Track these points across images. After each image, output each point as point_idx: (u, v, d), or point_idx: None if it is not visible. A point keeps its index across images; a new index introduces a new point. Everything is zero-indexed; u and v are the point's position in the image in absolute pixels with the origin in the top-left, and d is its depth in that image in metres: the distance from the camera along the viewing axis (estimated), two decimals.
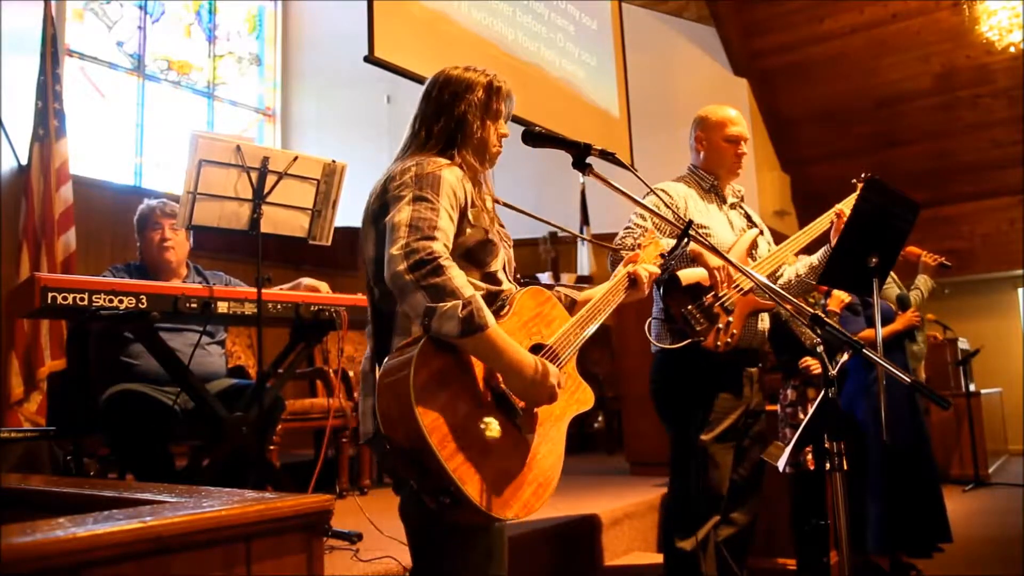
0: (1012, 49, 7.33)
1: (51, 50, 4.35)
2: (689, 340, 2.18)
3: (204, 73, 6.62)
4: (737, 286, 2.29)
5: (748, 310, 2.34)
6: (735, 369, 2.40)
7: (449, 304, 1.33)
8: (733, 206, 2.57)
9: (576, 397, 1.60)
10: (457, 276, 1.37)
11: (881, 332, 2.62)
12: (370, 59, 4.33)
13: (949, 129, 8.08)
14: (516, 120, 2.05)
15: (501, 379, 1.43)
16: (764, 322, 2.45)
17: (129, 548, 0.90)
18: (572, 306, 1.73)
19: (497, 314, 1.46)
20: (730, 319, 2.25)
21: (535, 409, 1.49)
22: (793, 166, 8.84)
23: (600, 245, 2.97)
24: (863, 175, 2.48)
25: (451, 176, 1.51)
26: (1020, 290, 9.33)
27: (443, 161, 1.55)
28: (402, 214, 1.43)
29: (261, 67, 7.09)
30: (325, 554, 2.01)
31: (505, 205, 1.77)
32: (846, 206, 2.41)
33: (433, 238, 1.39)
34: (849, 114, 8.32)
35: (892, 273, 3.82)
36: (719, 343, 2.23)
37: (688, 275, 2.14)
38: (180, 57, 6.45)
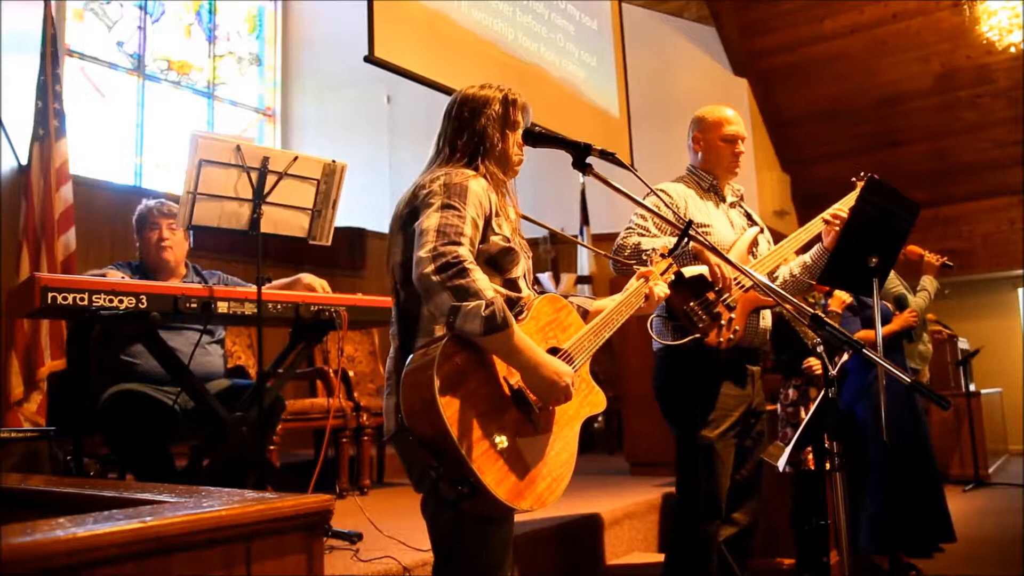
0: (1012, 49, 7.33)
1: (51, 50, 4.34)
2: (692, 337, 2.20)
3: (204, 73, 6.61)
4: (739, 283, 2.29)
5: (750, 307, 2.34)
6: (737, 367, 2.40)
7: (473, 304, 1.42)
8: (733, 205, 2.57)
9: (589, 400, 1.68)
10: (481, 279, 1.45)
11: (880, 332, 2.62)
12: (370, 59, 4.33)
13: (949, 129, 8.07)
14: None
15: (519, 377, 1.50)
16: (766, 320, 2.45)
17: (129, 548, 0.90)
18: (584, 315, 1.79)
19: (515, 318, 1.54)
20: (732, 316, 2.25)
21: (551, 408, 1.56)
22: (793, 166, 8.84)
23: (599, 253, 2.97)
24: (861, 174, 2.48)
25: (477, 186, 1.60)
26: (1020, 290, 9.33)
27: (470, 172, 1.63)
28: (431, 220, 1.52)
29: (261, 67, 7.08)
30: (325, 554, 2.01)
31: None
32: (840, 208, 2.41)
33: (459, 243, 1.48)
34: (849, 114, 8.32)
35: (896, 274, 3.81)
36: (721, 339, 2.23)
37: (691, 270, 2.15)
38: (180, 57, 6.44)
